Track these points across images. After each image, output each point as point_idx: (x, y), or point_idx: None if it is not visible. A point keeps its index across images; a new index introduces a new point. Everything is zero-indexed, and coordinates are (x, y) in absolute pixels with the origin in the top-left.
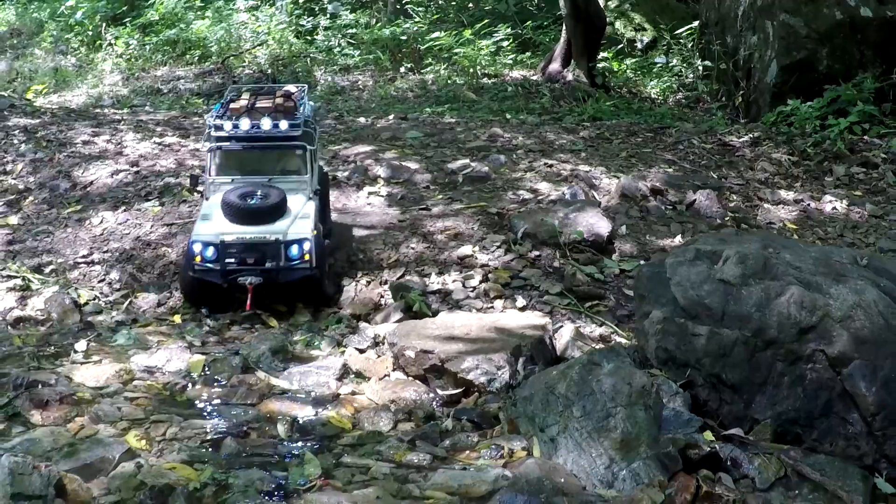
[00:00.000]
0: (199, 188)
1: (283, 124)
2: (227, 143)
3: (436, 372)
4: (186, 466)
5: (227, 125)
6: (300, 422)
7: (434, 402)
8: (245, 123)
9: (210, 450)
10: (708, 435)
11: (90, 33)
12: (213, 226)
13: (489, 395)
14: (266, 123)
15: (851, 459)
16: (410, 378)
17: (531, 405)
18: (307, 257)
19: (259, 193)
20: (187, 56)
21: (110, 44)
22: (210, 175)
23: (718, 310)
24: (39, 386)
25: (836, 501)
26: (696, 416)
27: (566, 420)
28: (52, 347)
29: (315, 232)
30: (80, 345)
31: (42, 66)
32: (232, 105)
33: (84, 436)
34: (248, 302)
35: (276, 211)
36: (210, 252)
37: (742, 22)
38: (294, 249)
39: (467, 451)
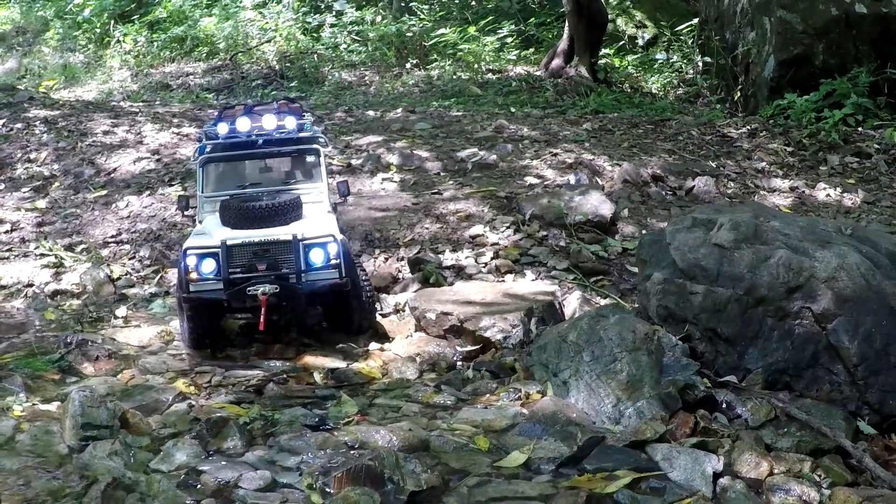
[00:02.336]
0: (190, 211)
1: (290, 122)
2: (222, 153)
3: (455, 332)
4: (234, 406)
5: (222, 128)
6: (334, 372)
7: (455, 357)
8: (244, 124)
9: (254, 393)
10: (705, 382)
11: (98, 31)
12: (212, 234)
13: (505, 350)
14: (269, 121)
15: (836, 404)
16: (432, 337)
17: (545, 353)
18: (334, 262)
19: (267, 195)
20: (195, 53)
21: (118, 41)
22: (200, 193)
23: (714, 271)
24: (88, 344)
25: (821, 437)
26: (693, 362)
27: (577, 365)
28: (94, 314)
29: (342, 236)
30: (120, 311)
31: (51, 62)
32: (227, 112)
33: (135, 384)
34: (262, 319)
35: (290, 210)
36: (208, 265)
37: (740, 18)
38: (317, 254)
39: (487, 395)
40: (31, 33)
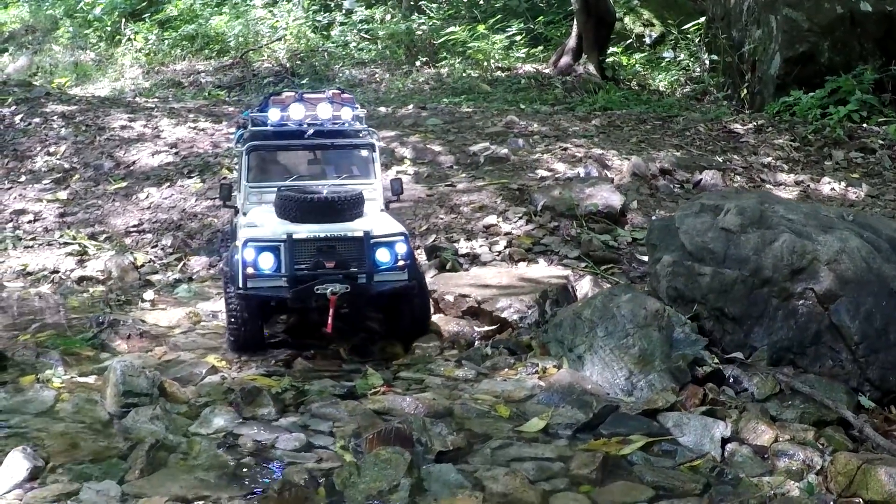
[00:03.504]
0: (231, 202)
1: (346, 112)
2: (272, 140)
3: (472, 314)
4: (265, 378)
5: (274, 114)
6: (358, 348)
7: (474, 335)
8: (297, 111)
9: (284, 367)
10: (714, 357)
11: (108, 29)
12: (269, 228)
13: (521, 329)
14: (324, 110)
15: (837, 380)
16: (451, 318)
17: (560, 330)
18: (402, 263)
19: (327, 189)
20: (206, 51)
21: (129, 39)
22: (245, 182)
23: (721, 253)
24: (120, 324)
25: (823, 410)
26: (701, 337)
27: (591, 340)
28: (123, 298)
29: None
30: (148, 294)
31: (62, 60)
32: (275, 98)
33: (168, 359)
34: (329, 321)
35: (354, 206)
36: (266, 259)
37: (747, 16)
38: (384, 253)
39: (506, 370)
40: (41, 32)
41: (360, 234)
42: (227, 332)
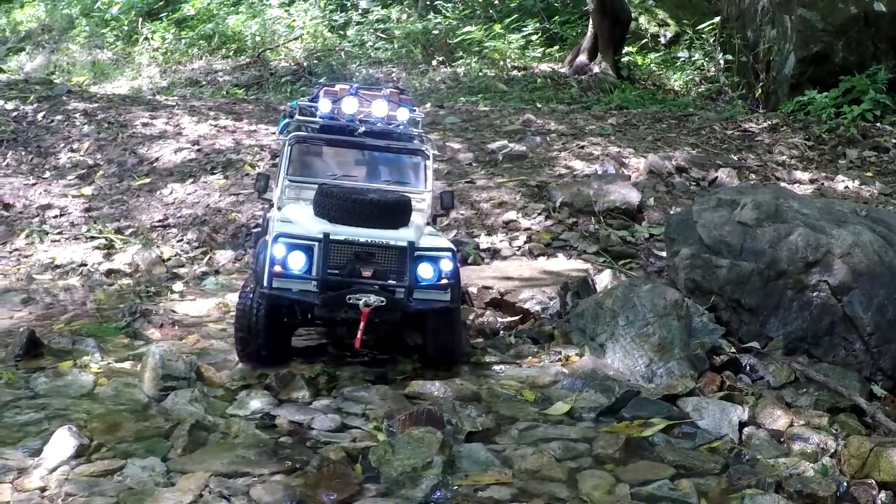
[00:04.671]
0: (268, 195)
1: (403, 114)
2: (321, 134)
3: (495, 305)
4: (298, 364)
5: (324, 105)
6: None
7: (498, 325)
8: (350, 105)
9: (315, 355)
10: (731, 345)
11: (126, 28)
12: (304, 225)
13: (543, 319)
14: (380, 108)
15: (851, 368)
16: (475, 308)
17: (582, 320)
18: (445, 282)
19: (373, 191)
20: (223, 50)
21: (146, 38)
22: (285, 175)
23: (737, 246)
24: (152, 313)
25: (837, 397)
26: (719, 326)
27: (612, 329)
28: (152, 289)
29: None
30: (177, 286)
31: (79, 59)
32: (328, 89)
33: (200, 347)
34: (359, 334)
35: (401, 213)
36: (297, 259)
37: (761, 16)
38: (427, 269)
39: (530, 357)
40: (57, 31)
41: (404, 244)
42: (235, 339)
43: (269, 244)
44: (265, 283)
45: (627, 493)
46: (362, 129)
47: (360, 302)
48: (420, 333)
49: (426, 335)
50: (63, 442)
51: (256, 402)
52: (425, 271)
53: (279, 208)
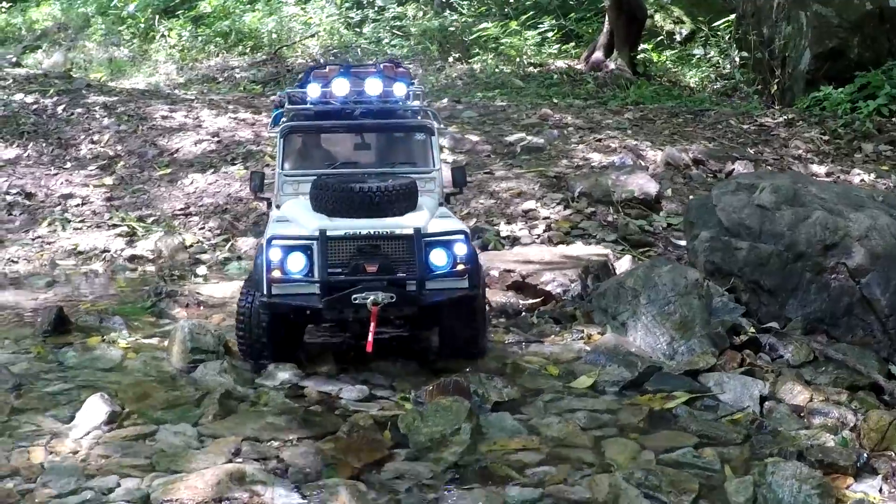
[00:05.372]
0: (266, 195)
1: (400, 88)
2: (311, 122)
3: (517, 288)
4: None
5: (313, 90)
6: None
7: (520, 307)
8: (341, 87)
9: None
10: (752, 324)
11: (142, 25)
12: (300, 224)
13: (564, 301)
14: (374, 86)
15: (869, 348)
16: (497, 290)
17: (604, 299)
18: (461, 267)
19: (374, 177)
20: (240, 47)
21: (163, 35)
22: (280, 170)
23: (756, 229)
24: (177, 294)
25: (856, 375)
26: (739, 305)
27: (634, 307)
28: (177, 273)
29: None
30: (201, 269)
31: (96, 56)
32: (317, 72)
33: (225, 325)
34: (370, 337)
35: (405, 198)
36: (296, 261)
37: (777, 13)
38: (439, 255)
39: (552, 336)
40: (73, 29)
41: (410, 231)
42: (238, 343)
43: (265, 248)
44: (264, 292)
45: (652, 459)
46: (358, 110)
47: (368, 301)
48: (438, 329)
49: (443, 329)
50: (95, 408)
51: (284, 374)
52: (438, 258)
53: (278, 206)
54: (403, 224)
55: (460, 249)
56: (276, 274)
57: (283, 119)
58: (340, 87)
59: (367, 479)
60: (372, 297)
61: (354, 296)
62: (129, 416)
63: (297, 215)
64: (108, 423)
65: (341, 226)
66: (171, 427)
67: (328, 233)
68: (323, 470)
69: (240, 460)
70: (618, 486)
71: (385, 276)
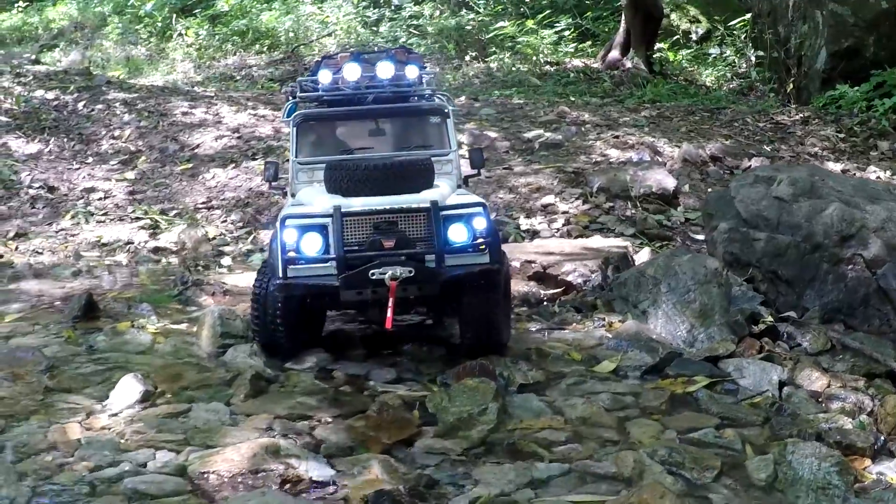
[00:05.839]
0: (280, 183)
1: (412, 71)
2: (323, 109)
3: (538, 279)
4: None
5: (324, 77)
6: None
7: (542, 296)
8: (352, 72)
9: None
10: (770, 313)
11: (159, 24)
12: (315, 206)
13: (585, 291)
14: (385, 70)
15: (886, 337)
16: (519, 280)
17: (625, 288)
18: (481, 243)
19: (388, 156)
20: (257, 45)
21: (180, 34)
22: (294, 158)
23: (774, 220)
24: (203, 283)
25: (873, 363)
26: (758, 294)
27: (655, 296)
28: (201, 263)
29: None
30: (226, 260)
31: (113, 55)
32: (328, 60)
33: None
34: (389, 312)
35: (421, 174)
36: (312, 241)
37: (793, 12)
38: (458, 230)
39: (574, 324)
40: (90, 28)
41: (427, 204)
42: (252, 331)
43: (279, 229)
44: (280, 274)
45: (675, 438)
46: (371, 96)
47: (386, 276)
48: (459, 310)
49: (463, 314)
50: (129, 387)
51: (314, 358)
52: (457, 233)
53: (292, 195)
54: (420, 199)
55: (479, 223)
56: (292, 255)
57: (297, 109)
58: (352, 73)
59: (397, 455)
60: (390, 272)
61: (372, 271)
62: (162, 395)
63: (312, 199)
64: (141, 401)
65: (357, 203)
66: (203, 405)
67: (343, 209)
68: (354, 446)
69: (273, 436)
70: (642, 462)
71: (403, 251)
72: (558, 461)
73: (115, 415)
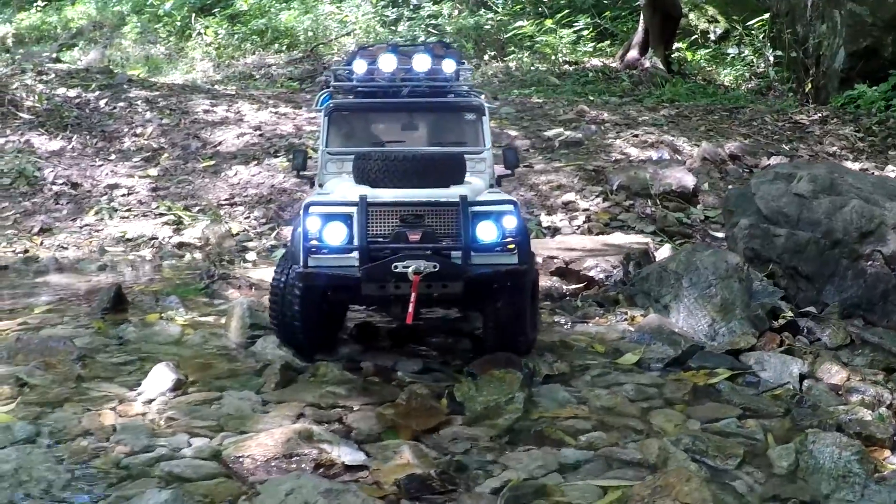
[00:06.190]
0: (307, 173)
1: (449, 65)
2: (358, 100)
3: (560, 274)
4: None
5: (359, 66)
6: None
7: (564, 291)
8: (388, 63)
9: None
10: (791, 307)
11: (178, 24)
12: (341, 195)
13: (607, 287)
14: (422, 62)
15: None
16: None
17: (647, 283)
18: (510, 243)
19: (419, 150)
20: (276, 45)
21: (199, 33)
22: (323, 148)
23: (794, 217)
24: (229, 277)
25: (891, 357)
26: (778, 289)
27: (677, 290)
28: (226, 258)
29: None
30: (250, 255)
31: (132, 54)
32: (364, 51)
33: None
34: (411, 307)
35: (452, 169)
36: (337, 231)
37: (811, 12)
38: (488, 228)
39: (596, 318)
40: (109, 27)
41: (456, 199)
42: (271, 323)
43: (302, 216)
44: (300, 262)
45: (698, 428)
46: (407, 89)
47: (410, 269)
48: (483, 311)
49: (487, 315)
50: (161, 376)
51: (342, 349)
52: (486, 231)
53: (320, 185)
54: (450, 193)
55: (509, 222)
56: (315, 243)
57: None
58: (387, 63)
59: (426, 442)
60: (414, 266)
61: (395, 264)
62: (194, 384)
63: (339, 188)
64: (173, 389)
65: (384, 194)
66: (235, 394)
67: (369, 199)
68: (384, 433)
69: (305, 423)
70: (666, 449)
71: (428, 244)
72: (585, 448)
73: (149, 402)
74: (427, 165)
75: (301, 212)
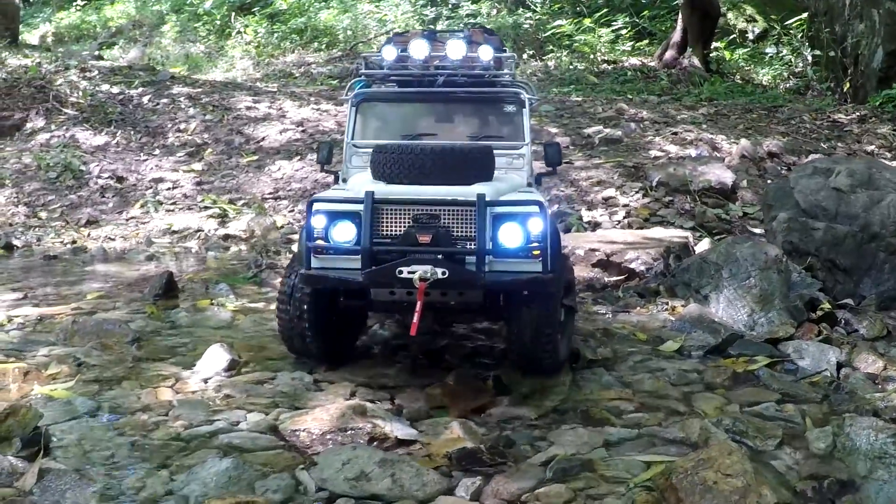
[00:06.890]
0: (333, 167)
1: (486, 52)
2: (387, 90)
3: (601, 266)
4: None
5: (389, 53)
6: None
7: (606, 282)
8: (420, 49)
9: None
10: (828, 299)
11: (218, 22)
12: (354, 189)
13: (648, 279)
14: (456, 49)
15: None
16: (583, 267)
17: (688, 274)
18: (535, 248)
19: (439, 143)
20: (315, 43)
21: (239, 32)
22: (349, 140)
23: (832, 210)
24: (276, 266)
25: None
26: (816, 281)
27: (717, 281)
28: (273, 249)
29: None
30: (295, 247)
31: (172, 52)
32: (398, 37)
33: None
34: (416, 317)
35: (476, 165)
36: (345, 230)
37: (850, 11)
38: (511, 231)
39: (638, 308)
40: (148, 26)
41: (472, 197)
42: (279, 331)
43: (307, 214)
44: (304, 262)
45: (738, 410)
46: (441, 79)
47: (415, 275)
48: (507, 323)
49: (510, 325)
50: (216, 356)
51: (386, 334)
52: (508, 234)
53: (344, 180)
54: (467, 191)
55: (535, 226)
56: (320, 243)
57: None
58: (419, 50)
59: (474, 420)
60: (420, 271)
61: (400, 268)
62: (247, 364)
63: (355, 184)
64: (228, 369)
65: (395, 191)
66: (288, 374)
67: (377, 195)
68: (433, 411)
69: (357, 400)
70: (708, 429)
71: (440, 248)
72: (629, 427)
73: (205, 381)
74: (449, 161)
75: (307, 209)
